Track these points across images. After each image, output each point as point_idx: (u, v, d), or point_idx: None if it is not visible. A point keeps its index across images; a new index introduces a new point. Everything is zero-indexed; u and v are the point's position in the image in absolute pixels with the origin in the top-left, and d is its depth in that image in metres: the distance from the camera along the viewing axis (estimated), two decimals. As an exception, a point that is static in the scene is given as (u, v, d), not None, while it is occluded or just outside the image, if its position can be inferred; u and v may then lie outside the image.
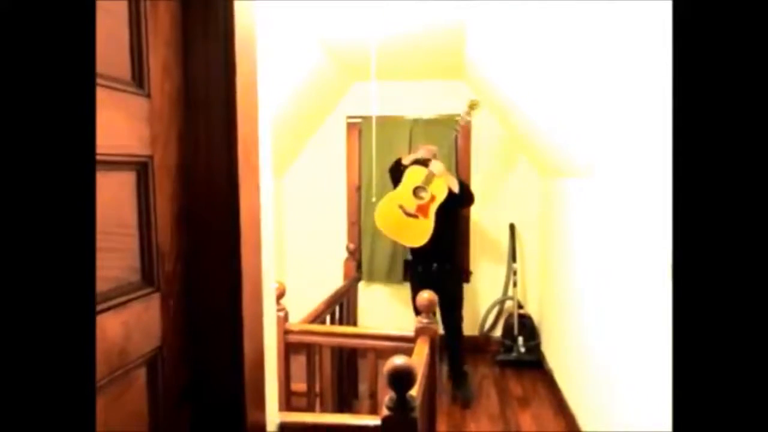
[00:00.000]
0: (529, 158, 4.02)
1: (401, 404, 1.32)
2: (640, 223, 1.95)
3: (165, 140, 0.98)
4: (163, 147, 0.98)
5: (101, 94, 0.81)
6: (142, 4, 0.91)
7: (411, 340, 2.11)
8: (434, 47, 3.24)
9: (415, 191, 3.25)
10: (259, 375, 1.17)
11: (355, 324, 3.55)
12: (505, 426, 3.10)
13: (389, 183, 3.48)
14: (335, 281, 3.55)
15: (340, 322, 3.13)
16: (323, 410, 2.43)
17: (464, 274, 4.11)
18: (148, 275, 0.95)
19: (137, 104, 0.91)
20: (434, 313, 2.24)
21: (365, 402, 2.66)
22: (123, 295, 0.89)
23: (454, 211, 3.38)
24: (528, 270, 4.21)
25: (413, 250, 3.45)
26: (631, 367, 2.07)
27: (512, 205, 4.15)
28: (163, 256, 0.99)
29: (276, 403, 1.31)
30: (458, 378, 3.41)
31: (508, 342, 4.00)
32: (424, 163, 3.29)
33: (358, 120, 4.22)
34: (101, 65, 0.81)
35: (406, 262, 4.04)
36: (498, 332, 4.17)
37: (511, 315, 4.02)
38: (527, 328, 4.00)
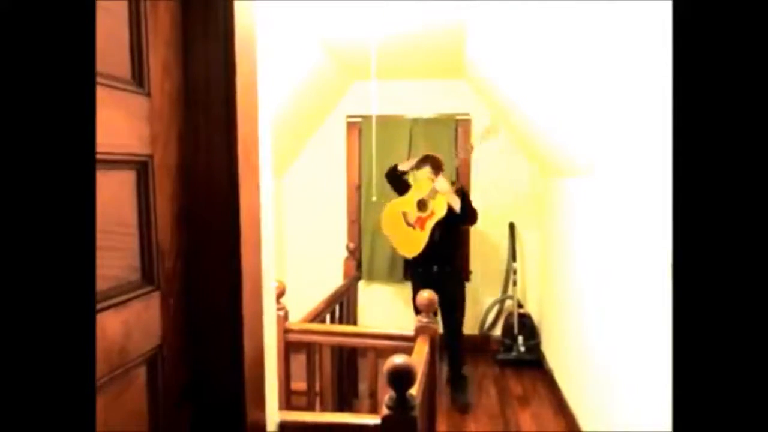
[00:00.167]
0: (529, 157, 4.02)
1: (401, 403, 1.32)
2: (640, 223, 1.95)
3: (165, 139, 0.98)
4: (163, 146, 0.98)
5: (101, 93, 0.81)
6: (142, 3, 0.91)
7: (411, 339, 2.11)
8: (434, 47, 3.24)
9: (419, 203, 3.31)
10: (259, 374, 1.17)
11: (355, 323, 3.56)
12: (505, 426, 3.10)
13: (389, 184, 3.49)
14: (335, 280, 3.55)
15: (340, 322, 3.13)
16: (323, 409, 2.43)
17: (465, 275, 4.11)
18: (148, 274, 0.96)
19: (137, 103, 0.91)
20: (435, 313, 2.24)
21: (365, 401, 2.66)
22: (123, 293, 0.89)
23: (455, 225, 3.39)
24: (528, 269, 4.22)
25: None
26: (631, 366, 2.07)
27: (512, 204, 4.15)
28: (163, 254, 0.99)
29: (276, 402, 1.31)
30: (457, 382, 3.41)
31: (507, 341, 4.00)
32: (435, 164, 3.29)
33: (358, 119, 4.22)
34: (101, 64, 0.81)
35: (407, 262, 4.04)
36: (498, 331, 4.17)
37: (510, 314, 4.02)
38: (527, 327, 4.00)
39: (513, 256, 4.06)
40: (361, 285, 4.04)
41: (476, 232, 4.22)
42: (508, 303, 4.13)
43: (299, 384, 2.43)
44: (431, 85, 4.15)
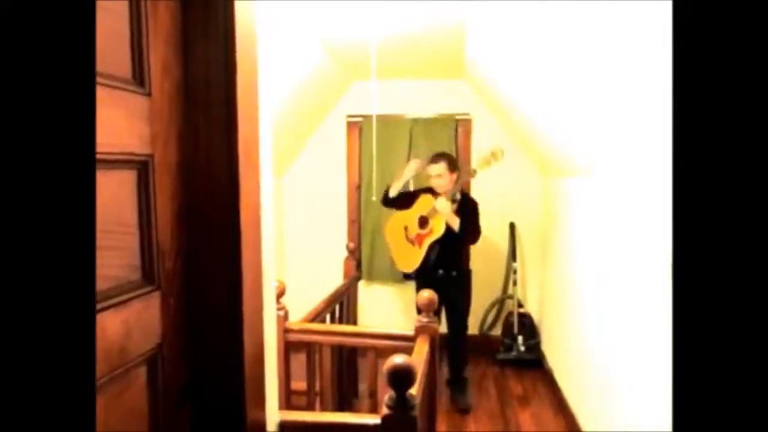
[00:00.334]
0: (530, 157, 4.02)
1: (401, 403, 1.32)
2: (641, 222, 1.95)
3: (165, 139, 0.98)
4: (164, 145, 0.98)
5: (101, 93, 0.81)
6: (142, 3, 0.91)
7: (411, 339, 2.11)
8: (434, 47, 3.24)
9: (420, 219, 3.32)
10: (259, 373, 1.17)
11: (355, 323, 3.55)
12: (505, 425, 3.10)
13: (390, 182, 3.48)
14: (335, 280, 3.55)
15: (340, 321, 3.13)
16: (323, 409, 2.43)
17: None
18: (148, 273, 0.96)
19: (137, 103, 0.91)
20: (435, 312, 2.24)
21: (365, 401, 2.66)
22: (123, 293, 0.89)
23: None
24: (528, 269, 4.22)
25: None
26: (631, 366, 2.07)
27: (512, 204, 4.15)
28: (164, 254, 0.99)
29: (276, 401, 1.31)
30: (457, 384, 3.41)
31: (508, 341, 4.00)
32: (450, 161, 3.27)
33: (359, 119, 4.22)
34: (101, 64, 0.81)
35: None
36: (498, 331, 4.17)
37: (511, 314, 4.02)
38: (527, 327, 4.00)
39: (513, 256, 4.06)
40: (361, 285, 4.04)
41: (476, 232, 4.21)
42: (508, 303, 4.12)
43: (299, 384, 2.43)
44: (431, 85, 4.14)
